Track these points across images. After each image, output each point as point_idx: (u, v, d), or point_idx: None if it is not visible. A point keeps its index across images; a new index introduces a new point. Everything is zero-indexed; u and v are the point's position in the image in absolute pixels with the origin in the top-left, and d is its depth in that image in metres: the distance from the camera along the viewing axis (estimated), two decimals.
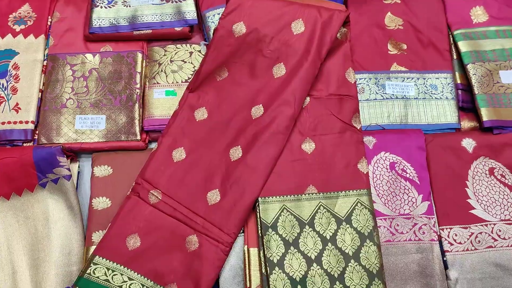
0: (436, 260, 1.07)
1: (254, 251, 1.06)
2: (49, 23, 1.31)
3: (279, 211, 1.07)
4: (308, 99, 1.17)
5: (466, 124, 1.24)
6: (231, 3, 1.18)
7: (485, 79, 1.22)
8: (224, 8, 1.20)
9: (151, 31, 1.27)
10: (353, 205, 1.08)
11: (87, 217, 1.12)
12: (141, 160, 1.14)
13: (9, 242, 1.07)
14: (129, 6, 1.29)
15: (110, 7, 1.29)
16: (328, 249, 1.05)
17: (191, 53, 1.29)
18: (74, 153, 1.18)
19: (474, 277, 1.07)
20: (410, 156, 1.16)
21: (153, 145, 1.18)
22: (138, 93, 1.22)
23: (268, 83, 1.16)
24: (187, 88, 1.20)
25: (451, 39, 1.30)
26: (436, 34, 1.31)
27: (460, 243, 1.09)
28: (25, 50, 1.26)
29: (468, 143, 1.18)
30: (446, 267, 1.08)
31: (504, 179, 1.15)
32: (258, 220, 1.06)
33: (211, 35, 1.22)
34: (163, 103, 1.23)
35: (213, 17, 1.29)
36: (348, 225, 1.07)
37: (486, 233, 1.10)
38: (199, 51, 1.29)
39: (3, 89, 1.22)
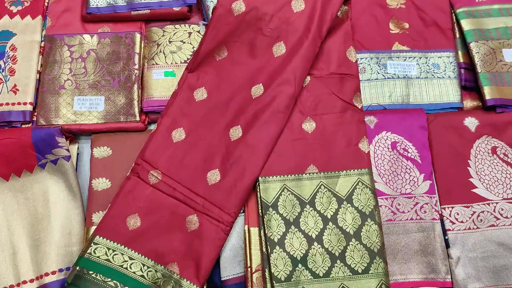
0: (437, 239, 1.07)
1: (254, 230, 1.05)
2: (46, 4, 1.29)
3: (280, 191, 1.06)
4: (308, 78, 1.15)
5: (469, 103, 1.23)
6: None
7: (488, 57, 1.20)
8: None
9: (149, 11, 1.25)
10: (354, 185, 1.07)
11: (87, 198, 1.11)
12: (141, 141, 1.13)
13: (9, 223, 1.07)
14: None
15: None
16: (329, 228, 1.04)
17: (190, 33, 1.27)
18: (73, 134, 1.17)
19: (476, 255, 1.06)
20: (411, 135, 1.15)
21: (153, 127, 1.17)
22: (136, 74, 1.21)
23: (268, 62, 1.14)
24: (186, 68, 1.19)
25: (454, 17, 1.28)
26: (439, 12, 1.29)
27: (462, 222, 1.09)
28: (23, 31, 1.25)
29: (471, 122, 1.17)
30: (447, 246, 1.07)
31: (507, 158, 1.14)
32: (259, 199, 1.06)
33: (210, 15, 1.20)
34: (162, 84, 1.22)
35: None
36: (349, 204, 1.06)
37: (488, 212, 1.10)
38: (198, 32, 1.27)
39: (1, 71, 1.21)
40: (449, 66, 1.24)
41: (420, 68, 1.24)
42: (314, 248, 1.03)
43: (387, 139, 1.15)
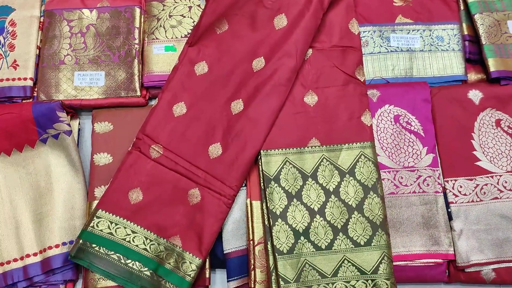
0: (440, 212, 1.06)
1: (256, 204, 1.05)
2: None
3: (282, 164, 1.06)
4: (310, 51, 1.14)
5: (473, 77, 1.21)
6: None
7: (493, 29, 1.18)
8: None
9: None
10: (357, 158, 1.07)
11: (89, 173, 1.11)
12: (142, 116, 1.13)
13: (12, 198, 1.07)
14: None
15: None
16: (331, 201, 1.04)
17: (190, 7, 1.25)
18: (74, 110, 1.16)
19: (479, 228, 1.06)
20: (415, 108, 1.14)
21: (153, 102, 1.16)
22: (137, 49, 1.20)
23: (269, 35, 1.13)
24: (187, 42, 1.17)
25: None
26: None
27: (465, 194, 1.08)
28: (22, 6, 1.24)
29: (475, 95, 1.15)
30: (450, 218, 1.07)
31: (510, 130, 1.13)
32: (261, 173, 1.06)
33: None
34: (162, 59, 1.21)
35: None
36: (351, 178, 1.06)
37: (491, 184, 1.09)
38: (199, 6, 1.25)
39: (1, 46, 1.20)
40: (453, 38, 1.23)
41: (423, 41, 1.23)
42: (316, 221, 1.02)
43: (390, 112, 1.14)
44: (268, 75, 1.09)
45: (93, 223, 1.01)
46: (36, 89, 1.18)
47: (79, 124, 1.18)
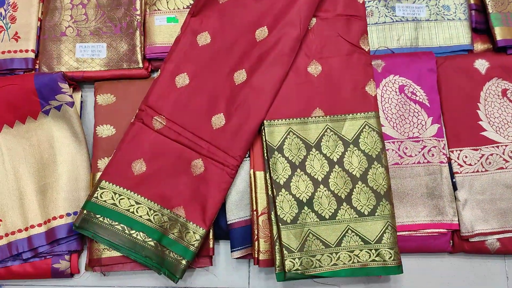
0: (445, 182, 1.06)
1: (260, 174, 1.05)
2: None
3: (285, 134, 1.05)
4: (314, 20, 1.12)
5: (479, 47, 1.19)
6: None
7: None
8: None
9: None
10: (361, 128, 1.06)
11: (92, 145, 1.11)
12: (144, 88, 1.12)
13: (16, 169, 1.07)
14: None
15: None
16: (335, 171, 1.03)
17: None
18: (76, 82, 1.16)
19: (483, 198, 1.06)
20: (420, 78, 1.13)
21: (156, 74, 1.15)
22: (138, 20, 1.19)
23: (272, 4, 1.11)
24: (189, 12, 1.16)
25: None
26: None
27: (470, 164, 1.07)
28: None
29: (481, 64, 1.14)
30: (455, 188, 1.06)
31: None
32: (264, 143, 1.05)
33: None
34: (164, 30, 1.19)
35: None
36: (355, 148, 1.05)
37: (497, 154, 1.08)
38: None
39: (2, 18, 1.19)
40: (459, 7, 1.20)
41: (429, 10, 1.20)
42: (320, 191, 1.02)
43: (394, 82, 1.13)
44: (271, 45, 1.08)
45: (97, 194, 1.01)
46: (38, 61, 1.17)
47: (81, 96, 1.17)
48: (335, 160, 1.04)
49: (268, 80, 1.06)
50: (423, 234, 1.05)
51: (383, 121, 1.10)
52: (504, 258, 1.08)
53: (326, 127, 1.06)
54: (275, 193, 1.01)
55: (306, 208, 1.01)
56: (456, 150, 1.09)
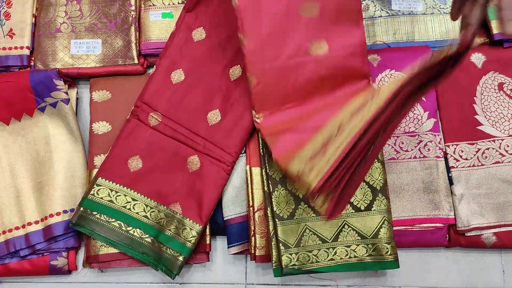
0: (441, 176, 1.06)
1: (256, 170, 1.05)
2: None
3: None
4: None
5: (476, 40, 1.19)
6: None
7: None
8: None
9: None
10: None
11: (88, 142, 1.11)
12: (140, 84, 1.12)
13: (12, 167, 1.07)
14: None
15: None
16: None
17: None
18: (71, 79, 1.15)
19: (480, 192, 1.06)
20: None
21: (151, 70, 1.14)
22: (133, 16, 1.18)
23: None
24: (184, 8, 1.15)
25: None
26: None
27: (466, 159, 1.08)
28: None
29: (477, 58, 1.13)
30: (451, 183, 1.06)
31: None
32: (260, 139, 1.05)
33: None
34: (159, 26, 1.19)
35: None
36: None
37: (493, 148, 1.08)
38: None
39: None
40: None
41: (426, 3, 1.20)
42: None
43: (390, 77, 1.12)
44: None
45: (93, 191, 1.01)
46: (33, 58, 1.17)
47: (77, 93, 1.17)
48: None
49: None
50: (420, 229, 1.05)
51: None
52: (500, 252, 1.08)
53: None
54: (271, 189, 1.01)
55: (302, 204, 1.01)
56: (452, 145, 1.09)
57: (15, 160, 1.07)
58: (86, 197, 1.01)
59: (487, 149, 1.08)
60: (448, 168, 1.07)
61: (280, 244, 0.98)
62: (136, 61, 1.16)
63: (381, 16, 1.20)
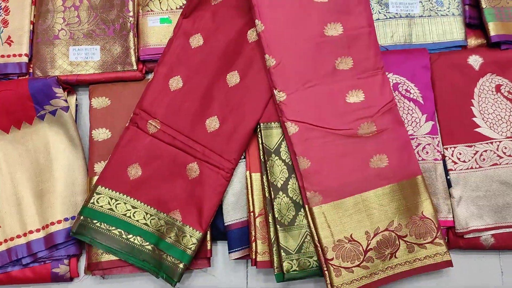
0: (439, 179, 1.06)
1: (256, 176, 1.05)
2: None
3: (282, 137, 1.05)
4: None
5: (473, 42, 1.19)
6: None
7: None
8: None
9: None
10: None
11: (88, 149, 1.11)
12: (139, 90, 1.12)
13: (12, 175, 1.08)
14: None
15: None
16: None
17: None
18: (70, 86, 1.16)
19: (478, 194, 1.06)
20: (414, 76, 1.13)
21: (150, 76, 1.15)
22: (131, 22, 1.18)
23: None
24: (181, 13, 1.15)
25: None
26: None
27: (464, 161, 1.08)
28: None
29: (475, 60, 1.14)
30: (449, 185, 1.07)
31: (511, 95, 1.11)
32: (260, 145, 1.05)
33: None
34: (158, 31, 1.19)
35: None
36: None
37: (491, 151, 1.09)
38: None
39: None
40: (453, 3, 1.20)
41: (423, 6, 1.20)
42: None
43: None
44: None
45: (93, 199, 1.02)
46: (31, 66, 1.17)
47: (76, 100, 1.17)
48: None
49: (262, 82, 1.06)
50: None
51: None
52: (499, 253, 1.09)
53: None
54: (272, 196, 1.01)
55: (303, 210, 1.02)
56: (450, 147, 1.09)
57: (16, 168, 1.08)
58: (86, 205, 1.01)
59: (485, 151, 1.09)
60: (446, 171, 1.08)
61: (282, 251, 0.99)
62: (135, 67, 1.16)
63: (378, 19, 1.20)
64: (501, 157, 1.08)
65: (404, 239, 0.98)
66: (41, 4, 1.20)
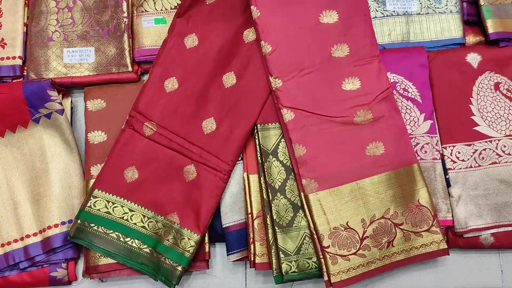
0: (438, 178, 1.06)
1: (254, 177, 1.04)
2: None
3: (279, 138, 1.04)
4: None
5: (471, 39, 1.18)
6: None
7: None
8: None
9: None
10: None
11: (84, 152, 1.11)
12: (134, 92, 1.11)
13: (8, 179, 1.07)
14: None
15: None
16: None
17: None
18: (65, 88, 1.15)
19: (477, 193, 1.06)
20: (412, 74, 1.12)
21: (146, 77, 1.14)
22: (126, 23, 1.17)
23: None
24: (176, 14, 1.14)
25: None
26: None
27: (463, 160, 1.07)
28: None
29: (473, 58, 1.13)
30: (448, 185, 1.06)
31: (509, 93, 1.11)
32: (258, 147, 1.05)
33: None
34: (153, 32, 1.18)
35: None
36: None
37: (490, 149, 1.08)
38: None
39: None
40: (450, 0, 1.19)
41: (420, 3, 1.19)
42: None
43: None
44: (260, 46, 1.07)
45: (90, 202, 1.01)
46: (25, 68, 1.16)
47: (71, 102, 1.16)
48: None
49: (258, 83, 1.05)
50: None
51: None
52: (499, 252, 1.09)
53: None
54: (270, 198, 1.01)
55: (301, 212, 1.01)
56: (449, 146, 1.08)
57: (11, 173, 1.07)
58: (83, 209, 1.00)
59: (484, 149, 1.08)
60: (445, 170, 1.07)
61: (280, 252, 0.98)
62: (130, 68, 1.15)
63: (375, 17, 1.19)
64: (500, 156, 1.07)
65: (400, 227, 0.98)
66: (34, 6, 1.19)
